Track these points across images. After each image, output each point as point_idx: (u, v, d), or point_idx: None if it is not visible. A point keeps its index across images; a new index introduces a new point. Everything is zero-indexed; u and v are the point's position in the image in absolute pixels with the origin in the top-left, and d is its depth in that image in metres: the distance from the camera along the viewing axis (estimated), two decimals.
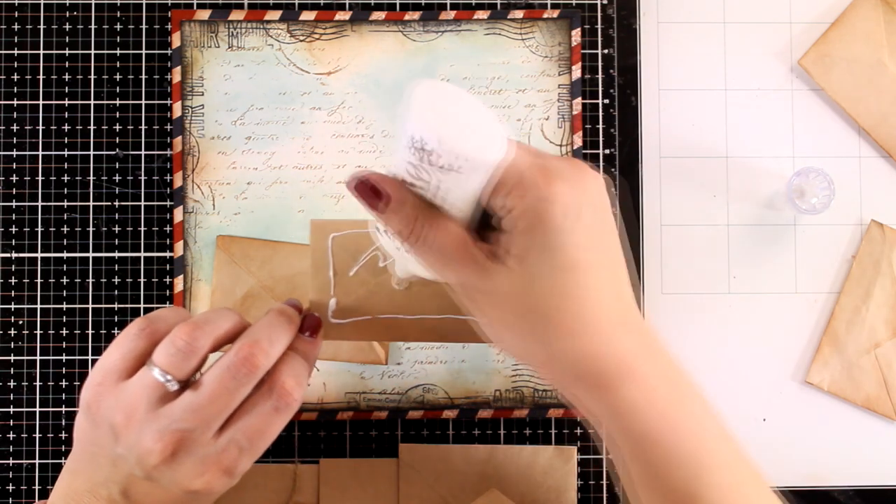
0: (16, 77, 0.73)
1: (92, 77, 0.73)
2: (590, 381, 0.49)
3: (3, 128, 0.72)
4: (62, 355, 0.71)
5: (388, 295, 0.59)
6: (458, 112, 0.46)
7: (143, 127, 0.73)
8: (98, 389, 0.53)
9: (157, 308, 0.71)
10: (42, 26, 0.73)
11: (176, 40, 0.72)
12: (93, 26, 0.73)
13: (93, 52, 0.73)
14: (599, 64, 0.74)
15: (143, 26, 0.73)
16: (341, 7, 0.73)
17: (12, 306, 0.72)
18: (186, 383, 0.53)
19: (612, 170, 0.73)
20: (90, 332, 0.72)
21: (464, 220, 0.50)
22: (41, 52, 0.73)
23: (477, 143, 0.46)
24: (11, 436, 0.71)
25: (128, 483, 0.53)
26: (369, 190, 0.49)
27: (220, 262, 0.71)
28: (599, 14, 0.74)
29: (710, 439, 0.51)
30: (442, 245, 0.49)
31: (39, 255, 0.72)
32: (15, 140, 0.72)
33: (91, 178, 0.72)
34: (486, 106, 0.47)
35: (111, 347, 0.54)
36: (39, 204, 0.72)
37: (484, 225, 0.50)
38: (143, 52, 0.73)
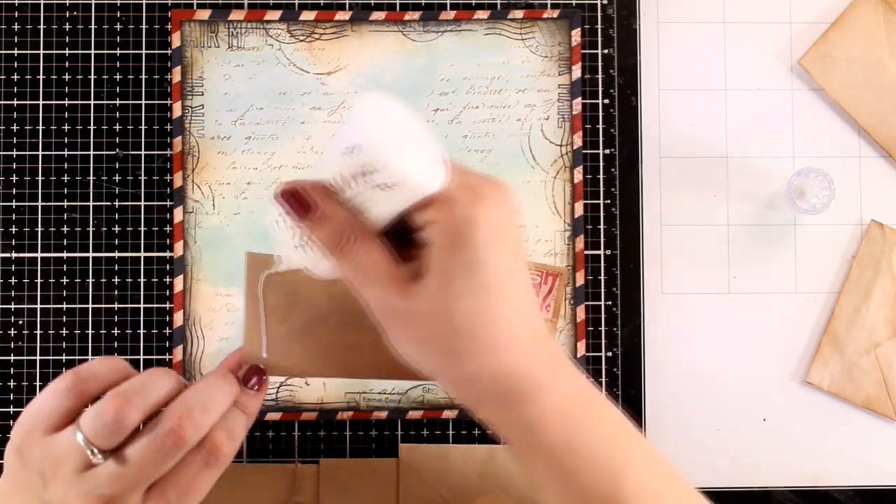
0: (16, 77, 0.73)
1: (92, 77, 0.73)
2: (506, 397, 0.49)
3: (3, 128, 0.73)
4: (62, 355, 0.71)
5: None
6: (403, 131, 0.47)
7: (143, 127, 0.73)
8: (27, 438, 0.52)
9: (159, 307, 0.71)
10: (42, 26, 0.73)
11: (176, 40, 0.72)
12: (93, 26, 0.73)
13: (93, 52, 0.73)
14: (599, 64, 0.74)
15: (143, 26, 0.73)
16: (341, 7, 0.73)
17: (12, 306, 0.72)
18: (114, 450, 0.51)
19: (612, 170, 0.73)
20: (90, 332, 0.72)
21: (379, 229, 0.50)
22: (41, 52, 0.73)
23: (420, 167, 0.46)
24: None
25: None
26: (297, 200, 0.49)
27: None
28: (599, 14, 0.74)
29: (623, 440, 0.51)
30: (367, 263, 0.49)
31: (39, 255, 0.72)
32: (15, 140, 0.72)
33: (91, 178, 0.72)
34: (428, 129, 0.47)
35: (41, 396, 0.52)
36: (39, 204, 0.72)
37: (392, 231, 0.50)
38: (143, 52, 0.73)
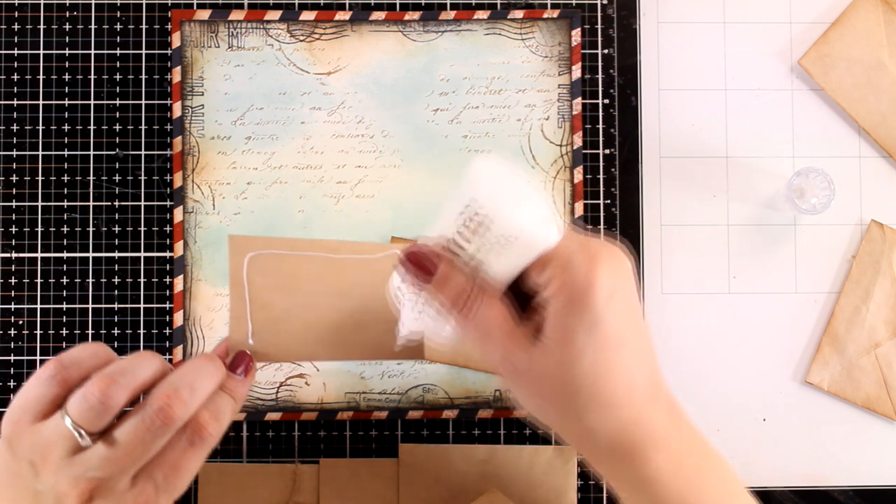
0: (16, 77, 0.73)
1: (92, 77, 0.73)
2: (622, 453, 0.50)
3: (3, 128, 0.72)
4: None
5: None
6: (517, 188, 0.49)
7: (143, 127, 0.73)
8: (15, 427, 0.53)
9: (160, 307, 0.71)
10: (42, 26, 0.73)
11: (176, 40, 0.72)
12: (93, 26, 0.73)
13: (93, 52, 0.73)
14: (599, 64, 0.74)
15: (143, 26, 0.73)
16: (341, 7, 0.73)
17: (12, 306, 0.72)
18: (102, 433, 0.52)
19: (612, 170, 0.73)
20: (90, 332, 0.72)
21: (499, 289, 0.51)
22: (41, 52, 0.73)
23: (536, 222, 0.48)
24: None
25: None
26: (419, 264, 0.51)
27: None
28: (599, 14, 0.74)
29: (734, 498, 0.53)
30: (488, 321, 0.50)
31: (39, 255, 0.72)
32: (15, 140, 0.72)
33: (91, 178, 0.72)
34: (540, 189, 0.48)
35: (26, 386, 0.53)
36: (39, 204, 0.72)
37: (510, 291, 0.52)
38: (143, 52, 0.73)
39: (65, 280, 0.72)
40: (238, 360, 0.57)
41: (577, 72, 0.73)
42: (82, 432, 0.51)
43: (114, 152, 0.73)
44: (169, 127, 0.72)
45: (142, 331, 0.72)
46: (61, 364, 0.53)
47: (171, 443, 0.53)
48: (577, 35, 0.74)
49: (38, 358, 0.71)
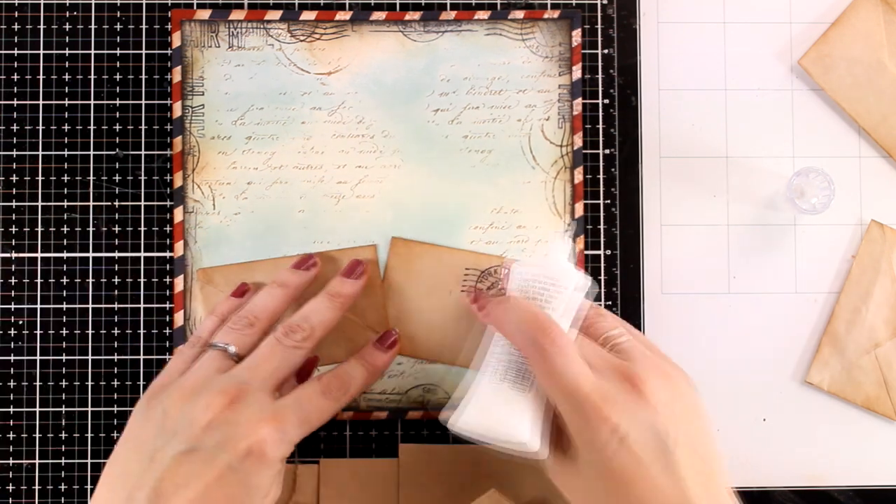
0: (16, 77, 0.73)
1: (92, 77, 0.73)
2: None
3: (3, 128, 0.72)
4: (62, 355, 0.71)
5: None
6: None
7: (143, 127, 0.73)
8: (160, 384, 0.60)
9: (160, 307, 0.71)
10: (42, 26, 0.73)
11: (176, 40, 0.72)
12: (93, 26, 0.73)
13: (93, 52, 0.73)
14: (599, 64, 0.74)
15: (143, 26, 0.73)
16: (341, 7, 0.73)
17: (12, 306, 0.72)
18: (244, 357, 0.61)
19: (612, 170, 0.73)
20: (90, 332, 0.72)
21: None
22: (41, 52, 0.73)
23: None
24: (11, 436, 0.71)
25: (159, 481, 0.53)
26: None
27: (207, 296, 0.72)
28: (599, 14, 0.74)
29: None
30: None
31: (39, 255, 0.72)
32: (15, 140, 0.72)
33: (91, 178, 0.72)
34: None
35: (170, 361, 0.63)
36: (39, 204, 0.72)
37: None
38: (143, 52, 0.73)
39: (65, 280, 0.72)
40: (353, 266, 0.69)
41: (577, 72, 0.73)
42: (229, 343, 0.61)
43: (114, 152, 0.73)
44: (169, 127, 0.72)
45: (142, 331, 0.72)
46: (194, 336, 0.65)
47: (306, 385, 0.61)
48: (577, 36, 0.74)
49: (38, 358, 0.71)
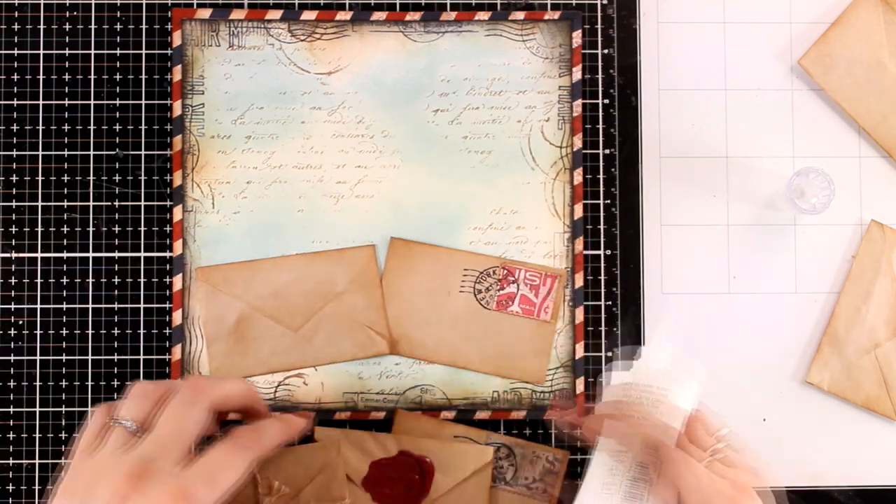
0: (16, 77, 0.73)
1: (92, 77, 0.73)
2: None
3: (3, 128, 0.73)
4: (62, 355, 0.71)
5: None
6: None
7: (142, 127, 0.73)
8: (76, 461, 0.57)
9: (159, 307, 0.71)
10: (42, 26, 0.73)
11: (177, 39, 0.73)
12: (93, 26, 0.73)
13: (93, 52, 0.73)
14: (599, 64, 0.74)
15: (143, 26, 0.73)
16: (342, 7, 0.73)
17: (12, 306, 0.72)
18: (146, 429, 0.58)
19: (612, 170, 0.73)
20: (90, 332, 0.72)
21: None
22: (41, 52, 0.73)
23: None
24: (11, 436, 0.71)
25: None
26: None
27: (205, 294, 0.72)
28: (599, 14, 0.74)
29: None
30: None
31: (39, 255, 0.72)
32: (15, 140, 0.72)
33: (91, 178, 0.72)
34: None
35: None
36: (39, 204, 0.72)
37: None
38: (143, 51, 0.73)
39: (65, 280, 0.72)
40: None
41: (577, 73, 0.73)
42: (128, 420, 0.57)
43: (114, 152, 0.73)
44: (169, 126, 0.72)
45: (142, 330, 0.72)
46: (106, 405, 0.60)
47: (216, 446, 0.57)
48: (577, 37, 0.74)
49: (38, 358, 0.71)
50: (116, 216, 0.72)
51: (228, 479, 0.57)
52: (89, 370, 0.71)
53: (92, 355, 0.71)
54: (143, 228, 0.72)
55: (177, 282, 0.71)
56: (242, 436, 0.59)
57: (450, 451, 0.69)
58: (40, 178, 0.72)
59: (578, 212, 0.73)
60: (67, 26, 0.73)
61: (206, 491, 0.56)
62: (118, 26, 0.73)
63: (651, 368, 0.60)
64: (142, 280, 0.72)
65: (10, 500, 0.71)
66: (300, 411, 0.69)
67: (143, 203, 0.72)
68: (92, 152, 0.72)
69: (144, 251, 0.72)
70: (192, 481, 0.55)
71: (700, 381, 0.59)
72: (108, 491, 0.54)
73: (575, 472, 0.71)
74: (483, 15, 0.73)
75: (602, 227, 0.73)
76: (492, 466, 0.69)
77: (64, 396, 0.71)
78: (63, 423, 0.71)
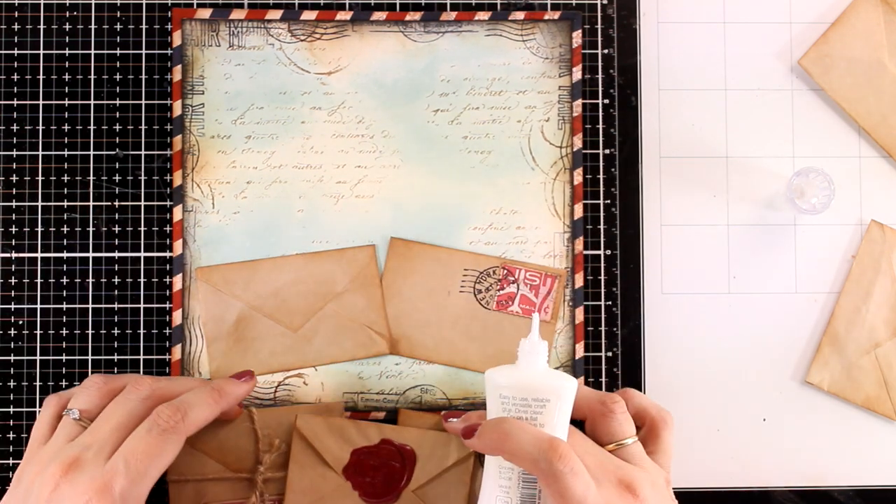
0: (16, 77, 0.73)
1: (92, 77, 0.73)
2: None
3: (3, 128, 0.73)
4: (62, 355, 0.71)
5: None
6: None
7: (142, 127, 0.73)
8: (24, 460, 0.62)
9: (159, 307, 0.71)
10: (42, 26, 0.73)
11: (177, 39, 0.73)
12: (93, 26, 0.73)
13: (93, 52, 0.73)
14: (599, 64, 0.74)
15: (143, 26, 0.73)
16: (342, 7, 0.73)
17: (12, 306, 0.72)
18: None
19: (612, 170, 0.73)
20: (90, 332, 0.71)
21: None
22: (41, 52, 0.73)
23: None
24: (11, 436, 0.71)
25: None
26: None
27: (205, 294, 0.72)
28: (599, 14, 0.74)
29: None
30: None
31: (39, 255, 0.72)
32: (15, 140, 0.72)
33: (91, 178, 0.72)
34: None
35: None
36: (39, 204, 0.72)
37: None
38: (143, 51, 0.73)
39: (65, 280, 0.72)
40: (241, 374, 0.68)
41: (577, 74, 0.73)
42: (73, 410, 0.61)
43: (114, 152, 0.73)
44: (169, 126, 0.72)
45: (142, 330, 0.72)
46: (56, 396, 0.65)
47: (135, 432, 0.59)
48: (577, 37, 0.74)
49: (38, 358, 0.71)
50: (116, 216, 0.72)
51: (148, 466, 0.58)
52: (89, 370, 0.71)
53: (92, 355, 0.71)
54: (143, 228, 0.72)
55: (177, 282, 0.72)
56: (161, 416, 0.59)
57: (432, 440, 0.69)
58: (40, 178, 0.72)
59: (578, 212, 0.73)
60: (67, 26, 0.73)
61: (124, 482, 0.57)
62: (118, 26, 0.73)
63: (526, 381, 0.59)
64: (142, 280, 0.72)
65: None
66: (240, 371, 0.68)
67: (143, 203, 0.72)
68: (92, 152, 0.72)
69: (144, 251, 0.72)
70: (111, 473, 0.57)
71: (573, 391, 0.59)
72: (44, 479, 0.57)
73: None
74: (483, 15, 0.73)
75: (602, 227, 0.73)
76: (474, 456, 0.69)
77: None
78: None
